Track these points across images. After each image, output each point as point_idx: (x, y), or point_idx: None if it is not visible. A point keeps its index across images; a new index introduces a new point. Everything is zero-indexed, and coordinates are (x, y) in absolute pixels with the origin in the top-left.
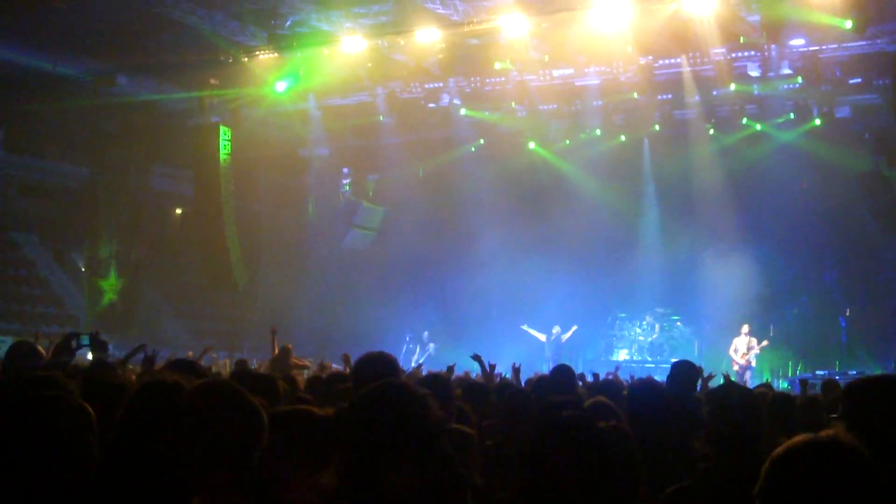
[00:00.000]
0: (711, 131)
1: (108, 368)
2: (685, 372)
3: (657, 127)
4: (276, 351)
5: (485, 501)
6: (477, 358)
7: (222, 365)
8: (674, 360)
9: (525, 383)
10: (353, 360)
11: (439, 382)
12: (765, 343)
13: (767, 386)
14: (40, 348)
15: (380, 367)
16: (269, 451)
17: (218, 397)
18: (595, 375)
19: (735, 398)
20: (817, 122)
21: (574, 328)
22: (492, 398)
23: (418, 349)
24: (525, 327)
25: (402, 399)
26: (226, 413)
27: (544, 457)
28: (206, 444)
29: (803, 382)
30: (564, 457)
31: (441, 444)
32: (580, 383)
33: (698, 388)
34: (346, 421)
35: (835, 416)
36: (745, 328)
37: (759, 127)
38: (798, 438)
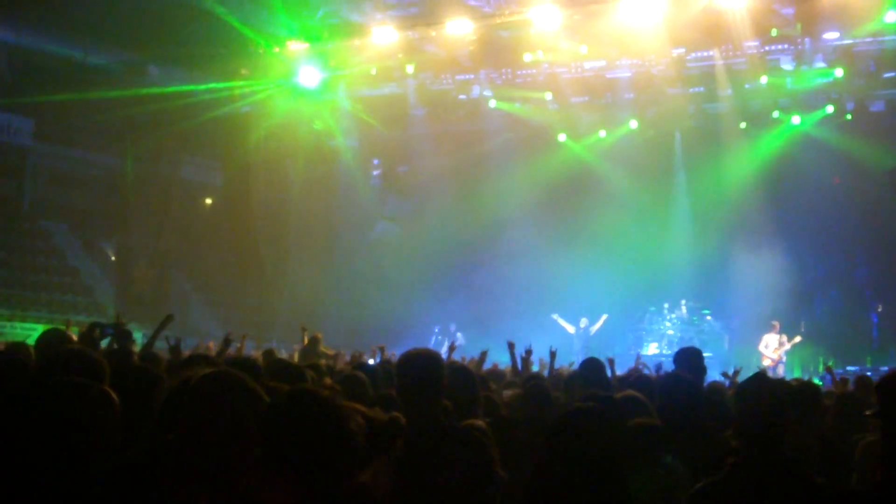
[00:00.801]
0: (743, 125)
1: (124, 356)
2: (690, 358)
3: (689, 120)
4: (306, 342)
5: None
6: (511, 345)
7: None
8: (707, 354)
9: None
10: (388, 353)
11: (462, 373)
12: (797, 339)
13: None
14: (72, 335)
15: (423, 365)
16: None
17: (222, 387)
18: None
19: (763, 391)
20: (849, 116)
21: (605, 317)
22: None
23: (446, 341)
24: (556, 317)
25: (312, 409)
26: (229, 404)
27: (558, 449)
28: (211, 434)
29: (844, 379)
30: (578, 449)
31: (356, 453)
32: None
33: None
34: (261, 428)
35: (869, 412)
36: (776, 324)
37: (791, 121)
38: None
